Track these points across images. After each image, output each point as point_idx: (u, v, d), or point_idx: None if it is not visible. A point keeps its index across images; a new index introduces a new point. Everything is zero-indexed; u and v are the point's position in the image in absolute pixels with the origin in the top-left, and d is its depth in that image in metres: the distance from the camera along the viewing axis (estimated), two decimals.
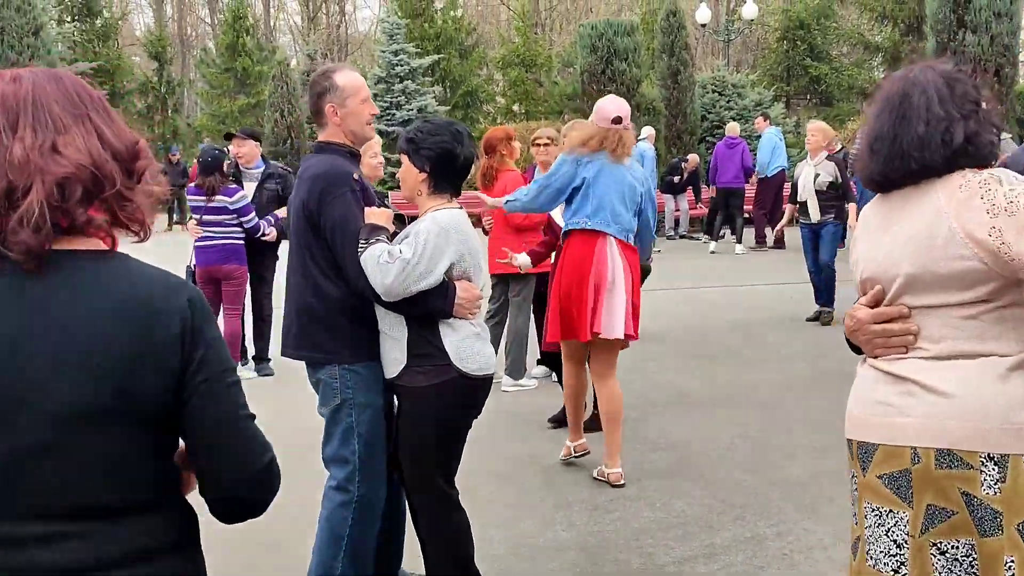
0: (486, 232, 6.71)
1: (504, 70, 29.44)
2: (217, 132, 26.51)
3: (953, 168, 2.04)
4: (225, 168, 7.18)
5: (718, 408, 6.26)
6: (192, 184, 7.29)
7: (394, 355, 3.15)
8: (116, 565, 1.41)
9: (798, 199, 9.09)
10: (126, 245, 1.50)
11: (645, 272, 5.32)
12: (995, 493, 1.95)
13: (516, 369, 6.83)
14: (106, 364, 1.39)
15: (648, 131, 15.32)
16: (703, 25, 23.98)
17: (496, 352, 5.83)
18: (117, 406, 1.40)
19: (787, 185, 13.47)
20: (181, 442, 1.52)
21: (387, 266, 3.01)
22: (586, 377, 5.13)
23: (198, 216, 7.12)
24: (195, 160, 8.80)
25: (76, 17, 30.52)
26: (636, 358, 7.04)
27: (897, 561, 2.06)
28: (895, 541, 2.06)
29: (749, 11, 22.29)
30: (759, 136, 16.07)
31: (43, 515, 1.39)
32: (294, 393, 5.19)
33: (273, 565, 3.98)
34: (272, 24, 44.47)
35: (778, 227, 10.80)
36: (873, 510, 2.10)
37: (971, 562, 1.99)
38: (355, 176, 3.25)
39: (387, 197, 7.16)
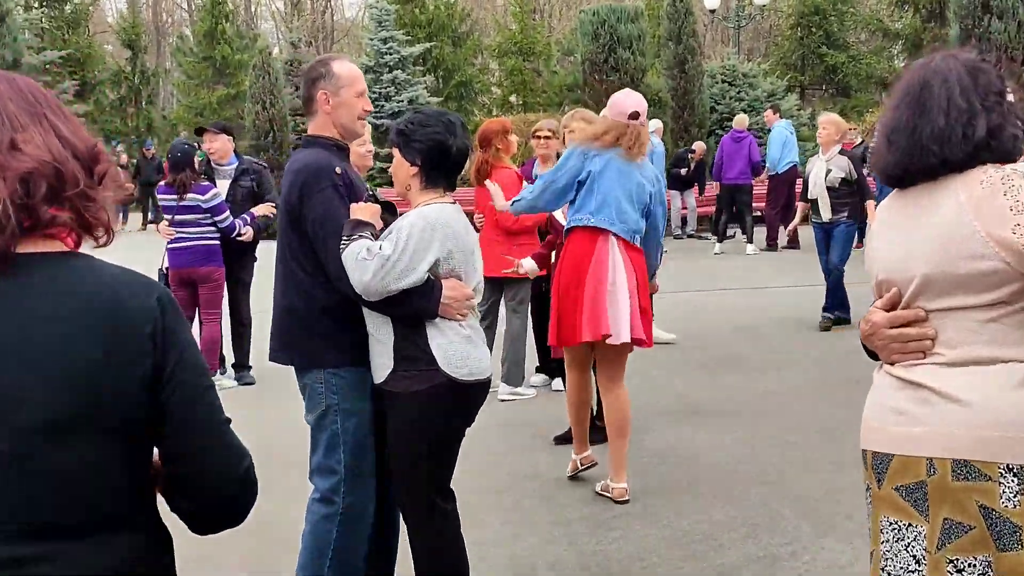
0: (477, 230, 6.70)
1: (500, 59, 29.50)
2: (194, 125, 26.39)
3: (974, 163, 2.05)
4: (197, 164, 7.18)
5: (727, 418, 6.26)
6: (162, 183, 7.28)
7: (381, 359, 3.15)
8: None
9: (808, 196, 9.01)
10: (92, 250, 1.51)
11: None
12: (1014, 506, 1.96)
13: (513, 376, 6.82)
14: (73, 368, 1.40)
15: (656, 124, 14.04)
16: (712, 11, 23.99)
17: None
18: (85, 413, 1.40)
19: (799, 182, 13.45)
20: (155, 455, 1.53)
21: (365, 263, 3.00)
22: (592, 385, 5.13)
23: (169, 216, 7.11)
24: (166, 156, 8.80)
25: (44, 3, 30.54)
26: (640, 365, 7.04)
27: None
28: (914, 556, 2.07)
29: None
30: (769, 130, 15.83)
31: (2, 535, 1.37)
32: (280, 401, 5.19)
33: None
34: (253, 10, 44.52)
35: (790, 226, 10.79)
36: (891, 524, 2.10)
37: None
38: (338, 170, 3.25)
39: (375, 191, 7.15)
